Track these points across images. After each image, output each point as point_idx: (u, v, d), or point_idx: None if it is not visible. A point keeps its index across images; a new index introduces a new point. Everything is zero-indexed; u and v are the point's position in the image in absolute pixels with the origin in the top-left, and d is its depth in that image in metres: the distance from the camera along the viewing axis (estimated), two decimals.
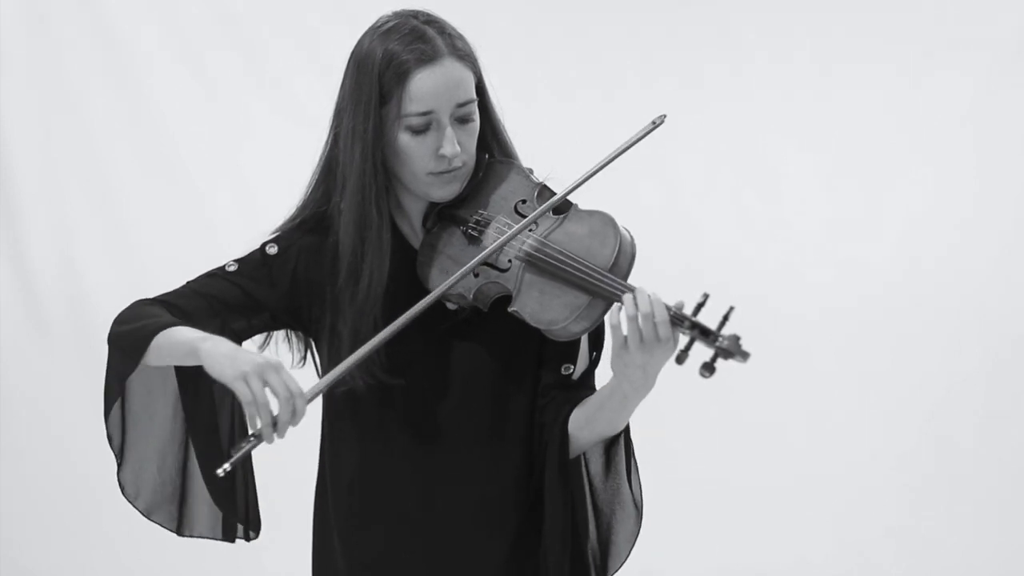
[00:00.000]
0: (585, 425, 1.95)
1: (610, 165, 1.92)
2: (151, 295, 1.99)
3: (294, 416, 1.76)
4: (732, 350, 1.72)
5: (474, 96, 1.93)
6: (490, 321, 1.95)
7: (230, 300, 1.98)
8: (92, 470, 4.08)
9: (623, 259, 1.87)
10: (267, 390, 1.76)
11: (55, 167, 4.17)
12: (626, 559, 2.01)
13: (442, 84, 1.89)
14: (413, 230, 2.02)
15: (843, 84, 4.17)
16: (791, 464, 4.10)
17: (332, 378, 1.83)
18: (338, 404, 2.02)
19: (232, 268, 2.00)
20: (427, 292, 1.91)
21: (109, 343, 1.96)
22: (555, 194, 1.98)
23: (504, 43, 4.05)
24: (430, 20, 1.94)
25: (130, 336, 1.90)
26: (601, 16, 4.21)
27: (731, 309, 1.75)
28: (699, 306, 1.78)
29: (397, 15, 1.95)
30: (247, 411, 1.77)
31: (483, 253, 1.89)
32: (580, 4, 4.24)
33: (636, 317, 1.78)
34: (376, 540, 2.02)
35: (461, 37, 1.95)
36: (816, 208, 4.22)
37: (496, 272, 1.92)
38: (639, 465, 2.01)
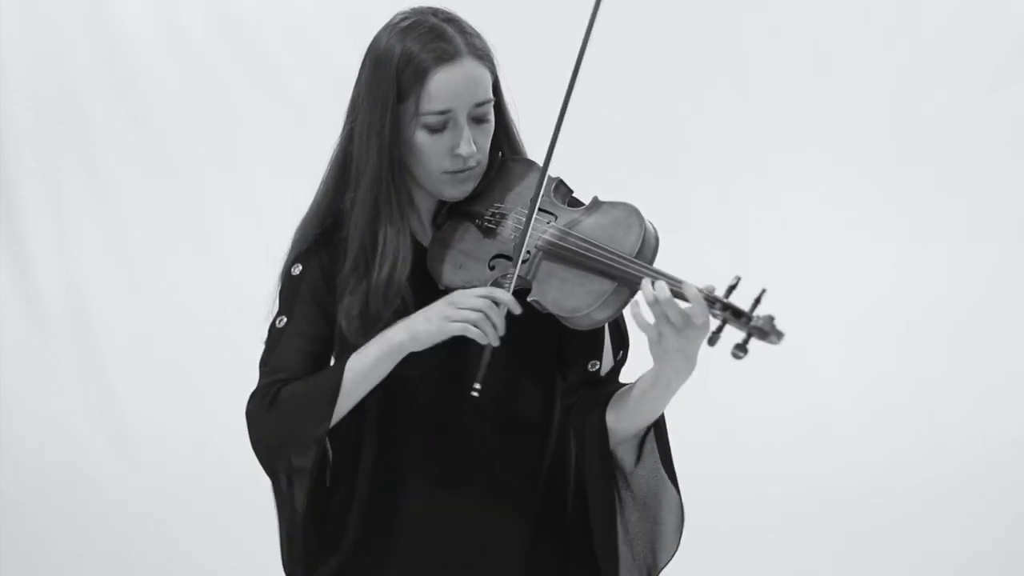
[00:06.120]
0: (625, 416, 1.93)
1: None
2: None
3: (500, 308, 1.83)
4: (767, 330, 1.70)
5: (491, 96, 1.94)
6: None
7: (316, 337, 1.99)
8: (91, 471, 4.09)
9: (647, 248, 1.86)
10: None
11: (55, 167, 4.18)
12: (675, 551, 2.01)
13: (461, 83, 1.89)
14: (423, 227, 2.02)
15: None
16: (790, 465, 4.12)
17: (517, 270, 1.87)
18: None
19: (282, 323, 2.00)
20: (438, 288, 1.93)
21: (267, 446, 1.95)
22: (571, 189, 2.00)
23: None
24: (449, 18, 1.94)
25: (305, 402, 1.91)
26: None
27: (763, 291, 1.74)
28: (731, 288, 1.77)
29: (415, 12, 1.95)
30: (473, 335, 1.82)
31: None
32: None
33: (659, 302, 1.76)
34: (398, 532, 2.02)
35: (479, 36, 1.95)
36: (815, 211, 4.28)
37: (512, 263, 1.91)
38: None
